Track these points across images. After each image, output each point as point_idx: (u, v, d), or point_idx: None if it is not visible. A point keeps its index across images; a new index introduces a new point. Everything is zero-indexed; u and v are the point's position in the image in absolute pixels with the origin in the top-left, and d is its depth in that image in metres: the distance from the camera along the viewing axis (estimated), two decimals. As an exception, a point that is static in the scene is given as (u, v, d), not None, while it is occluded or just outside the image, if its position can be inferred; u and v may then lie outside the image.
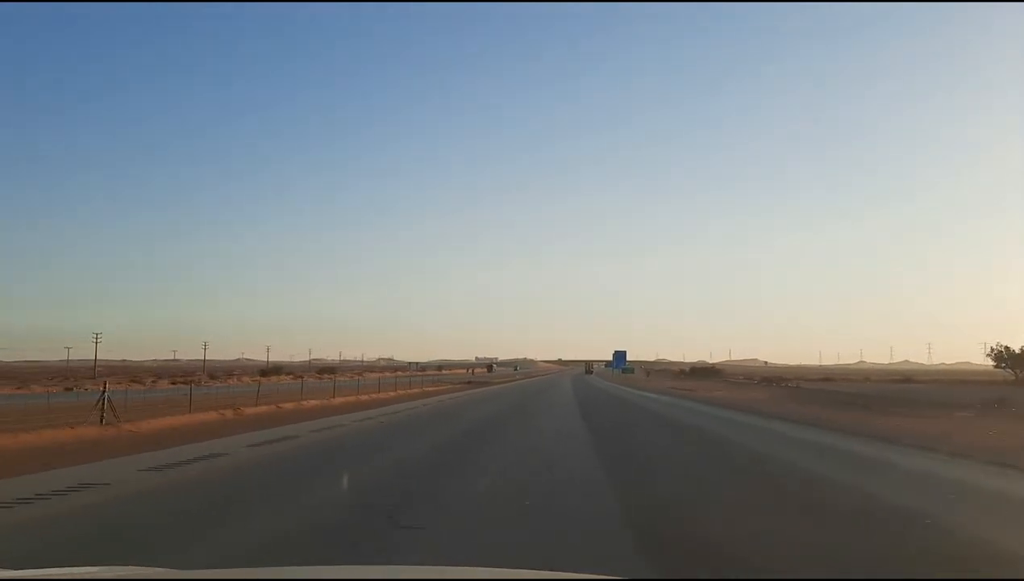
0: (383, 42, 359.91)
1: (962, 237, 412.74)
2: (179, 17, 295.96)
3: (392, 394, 48.37)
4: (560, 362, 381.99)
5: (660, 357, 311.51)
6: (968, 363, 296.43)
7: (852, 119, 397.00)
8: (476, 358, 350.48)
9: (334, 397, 38.90)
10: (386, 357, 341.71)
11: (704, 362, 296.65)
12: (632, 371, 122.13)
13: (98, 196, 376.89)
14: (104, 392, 20.69)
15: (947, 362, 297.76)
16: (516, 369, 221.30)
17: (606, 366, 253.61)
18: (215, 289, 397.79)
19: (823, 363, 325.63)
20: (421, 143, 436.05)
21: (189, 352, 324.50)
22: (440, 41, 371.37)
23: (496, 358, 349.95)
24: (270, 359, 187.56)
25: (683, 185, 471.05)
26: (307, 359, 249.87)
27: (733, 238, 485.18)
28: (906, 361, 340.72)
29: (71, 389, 57.47)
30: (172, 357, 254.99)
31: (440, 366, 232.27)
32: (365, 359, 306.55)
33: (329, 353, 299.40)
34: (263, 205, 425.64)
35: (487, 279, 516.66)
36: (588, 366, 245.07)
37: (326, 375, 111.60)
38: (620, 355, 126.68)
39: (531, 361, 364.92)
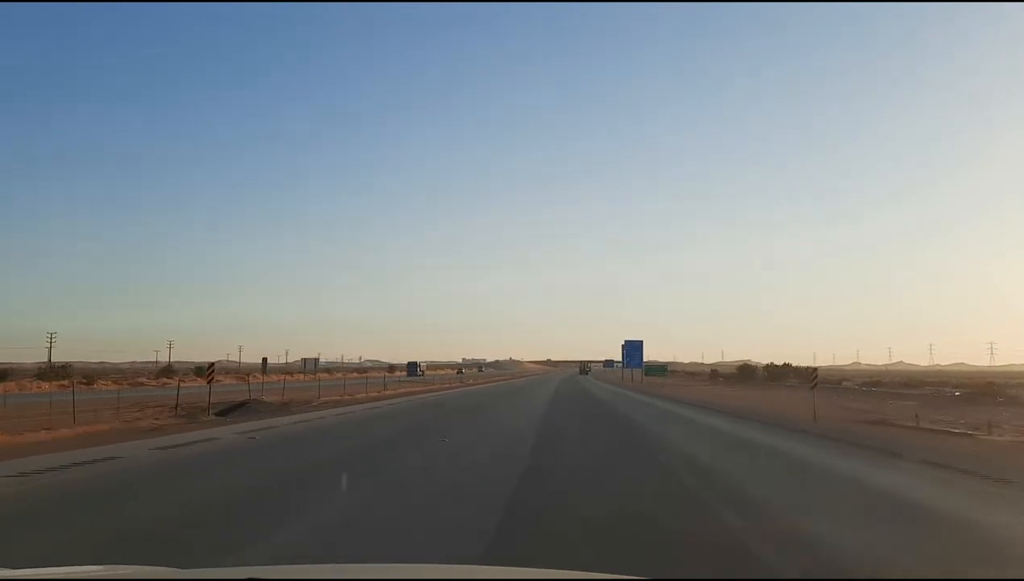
0: (374, 42, 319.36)
1: (961, 238, 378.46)
2: (173, 15, 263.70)
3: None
4: (548, 362, 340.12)
5: (650, 358, 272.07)
6: (964, 364, 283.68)
7: (850, 119, 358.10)
8: (463, 359, 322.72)
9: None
10: (372, 358, 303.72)
11: (697, 363, 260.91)
12: (665, 373, 74.68)
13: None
14: None
15: (941, 363, 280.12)
16: (461, 372, 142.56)
17: (604, 366, 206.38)
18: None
19: (818, 364, 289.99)
20: (412, 145, 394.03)
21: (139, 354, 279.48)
22: (431, 40, 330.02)
23: (484, 359, 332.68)
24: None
25: (675, 185, 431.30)
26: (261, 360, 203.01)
27: (727, 239, 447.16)
28: (900, 362, 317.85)
29: None
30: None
31: (393, 367, 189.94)
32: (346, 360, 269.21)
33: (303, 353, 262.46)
34: (244, 206, 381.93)
35: (475, 280, 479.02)
36: (583, 366, 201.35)
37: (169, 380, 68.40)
38: (634, 347, 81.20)
39: (516, 362, 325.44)
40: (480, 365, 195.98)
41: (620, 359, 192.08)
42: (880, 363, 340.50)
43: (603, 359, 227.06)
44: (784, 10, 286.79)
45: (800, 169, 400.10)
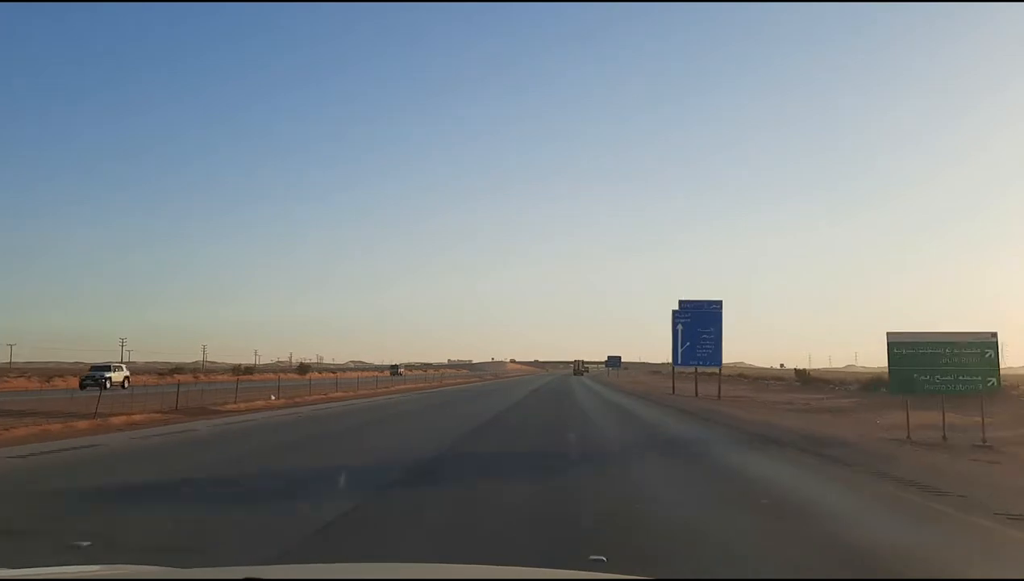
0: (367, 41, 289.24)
1: (961, 238, 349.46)
2: (165, 13, 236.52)
3: None
4: (536, 363, 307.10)
5: (643, 359, 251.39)
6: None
7: (848, 119, 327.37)
8: (448, 360, 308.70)
9: None
10: (356, 359, 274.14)
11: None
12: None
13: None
14: None
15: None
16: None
17: (606, 365, 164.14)
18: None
19: (815, 366, 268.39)
20: (404, 145, 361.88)
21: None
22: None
23: (471, 360, 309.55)
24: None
25: (666, 186, 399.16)
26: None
27: (719, 238, 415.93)
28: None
29: None
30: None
31: (356, 367, 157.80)
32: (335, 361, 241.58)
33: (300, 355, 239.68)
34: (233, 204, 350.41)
35: (466, 280, 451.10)
36: (578, 365, 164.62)
37: None
38: (703, 318, 44.65)
39: (498, 362, 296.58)
40: (396, 367, 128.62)
41: (615, 357, 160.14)
42: (878, 366, 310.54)
43: (592, 360, 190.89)
44: (781, 10, 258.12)
45: (796, 167, 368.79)
